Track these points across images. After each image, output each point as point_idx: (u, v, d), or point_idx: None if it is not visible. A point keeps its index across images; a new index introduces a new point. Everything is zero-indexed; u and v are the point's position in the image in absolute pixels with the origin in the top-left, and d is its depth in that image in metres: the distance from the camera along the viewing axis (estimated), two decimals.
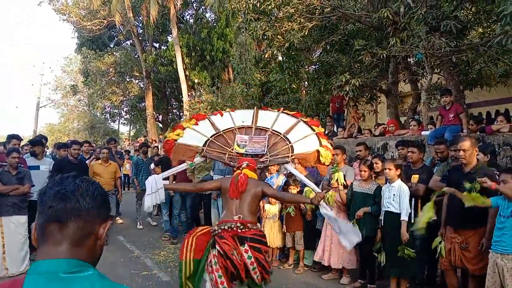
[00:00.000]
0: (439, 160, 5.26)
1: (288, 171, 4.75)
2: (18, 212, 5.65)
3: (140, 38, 22.62)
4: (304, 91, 13.92)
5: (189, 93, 19.99)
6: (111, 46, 25.91)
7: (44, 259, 1.04)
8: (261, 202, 5.77)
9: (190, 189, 5.26)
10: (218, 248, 3.47)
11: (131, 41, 24.62)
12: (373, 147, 7.80)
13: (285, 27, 9.61)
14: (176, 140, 4.28)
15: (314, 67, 13.06)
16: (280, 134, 4.36)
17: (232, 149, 4.21)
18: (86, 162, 8.07)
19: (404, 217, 4.59)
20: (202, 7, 22.09)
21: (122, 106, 27.61)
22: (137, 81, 25.55)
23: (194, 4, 23.19)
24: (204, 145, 4.21)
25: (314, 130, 4.43)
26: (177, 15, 20.34)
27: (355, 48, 9.33)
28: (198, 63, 20.12)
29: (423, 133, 7.43)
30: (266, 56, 12.74)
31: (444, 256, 4.28)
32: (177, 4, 19.57)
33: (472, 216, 4.02)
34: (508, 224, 3.55)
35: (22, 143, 7.69)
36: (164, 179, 4.21)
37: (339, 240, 4.06)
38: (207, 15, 22.51)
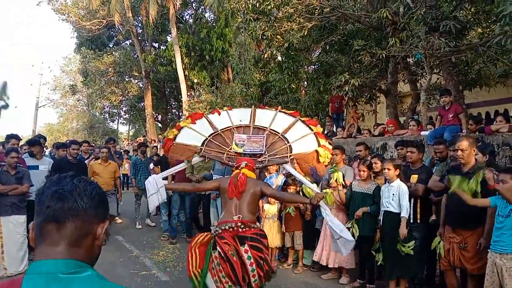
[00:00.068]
0: (438, 160, 5.26)
1: (287, 171, 4.74)
2: (17, 212, 5.64)
3: (139, 38, 22.62)
4: (303, 91, 13.92)
5: (188, 93, 19.99)
6: (110, 46, 25.91)
7: (42, 259, 1.04)
8: (260, 202, 5.78)
9: (189, 189, 5.26)
10: (219, 249, 3.46)
11: (130, 41, 24.62)
12: (372, 147, 7.79)
13: (284, 27, 9.61)
14: (174, 139, 4.27)
15: (313, 67, 13.06)
16: (278, 133, 4.35)
17: (231, 149, 4.19)
18: (85, 162, 8.07)
19: (404, 215, 4.58)
20: (202, 7, 22.08)
21: (121, 106, 27.61)
22: (136, 81, 25.55)
23: (194, 4, 23.18)
24: (202, 145, 4.19)
25: (312, 130, 4.41)
26: (177, 15, 20.34)
27: (354, 48, 9.33)
28: (197, 63, 20.12)
29: (422, 133, 7.43)
30: (265, 56, 12.74)
31: (443, 256, 4.28)
32: (176, 4, 19.56)
33: (470, 216, 4.03)
34: (506, 223, 3.56)
35: (20, 143, 7.67)
36: (163, 179, 4.21)
37: (333, 247, 3.98)
38: (207, 15, 22.52)
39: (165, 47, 22.56)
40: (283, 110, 4.82)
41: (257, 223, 3.97)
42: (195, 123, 4.47)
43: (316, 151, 4.13)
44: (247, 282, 3.46)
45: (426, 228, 4.81)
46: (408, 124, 8.46)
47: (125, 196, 9.35)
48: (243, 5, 9.94)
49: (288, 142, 4.24)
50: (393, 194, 4.70)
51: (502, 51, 7.68)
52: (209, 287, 3.52)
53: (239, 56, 15.30)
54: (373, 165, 5.34)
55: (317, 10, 9.54)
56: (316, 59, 12.48)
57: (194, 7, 23.24)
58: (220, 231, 3.56)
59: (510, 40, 5.86)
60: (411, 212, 4.76)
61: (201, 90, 19.37)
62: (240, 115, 4.63)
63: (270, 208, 6.10)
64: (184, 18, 23.55)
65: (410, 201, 4.71)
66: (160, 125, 25.90)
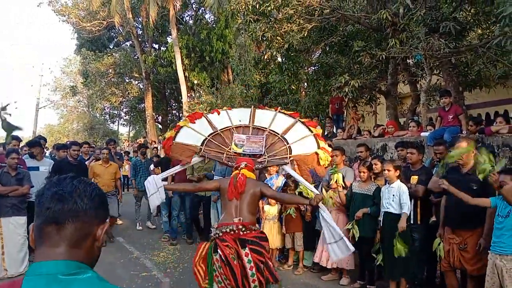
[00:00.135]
0: (438, 161, 5.27)
1: (287, 172, 4.73)
2: (17, 213, 5.65)
3: (139, 39, 22.62)
4: (303, 92, 13.93)
5: (188, 94, 19.99)
6: (111, 47, 25.92)
7: (42, 260, 1.04)
8: (260, 203, 5.77)
9: (190, 189, 5.24)
10: (220, 253, 3.45)
11: (131, 42, 24.63)
12: (372, 148, 7.80)
13: (284, 28, 9.62)
14: (174, 139, 4.25)
15: (313, 68, 13.08)
16: (278, 134, 4.34)
17: (230, 149, 4.18)
18: (86, 163, 8.07)
19: (405, 211, 4.57)
20: (202, 8, 22.09)
21: (122, 107, 27.60)
22: (136, 82, 25.55)
23: (194, 5, 23.20)
24: (202, 145, 4.18)
25: (312, 131, 4.40)
26: (177, 16, 20.34)
27: (354, 49, 9.34)
28: (197, 64, 20.12)
29: (422, 134, 7.44)
30: (265, 57, 12.77)
31: (443, 257, 4.28)
32: (176, 5, 19.57)
33: (470, 217, 4.03)
34: (506, 224, 3.56)
35: (21, 144, 7.68)
36: (163, 180, 4.20)
37: (328, 249, 3.90)
38: (207, 16, 22.53)
39: (165, 48, 22.57)
40: (282, 111, 4.79)
41: (257, 225, 3.96)
42: (194, 122, 4.45)
43: (316, 153, 4.12)
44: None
45: (426, 229, 4.81)
46: (408, 125, 8.47)
47: (125, 197, 9.34)
48: (243, 7, 9.95)
49: (288, 143, 4.23)
50: (394, 195, 4.70)
51: (502, 52, 7.69)
52: None
53: (239, 57, 15.30)
54: (373, 166, 5.34)
55: (317, 11, 9.55)
56: (316, 60, 12.49)
57: (194, 8, 23.26)
58: (221, 233, 3.54)
59: (510, 41, 5.86)
60: (411, 213, 4.76)
61: (201, 91, 19.36)
62: (239, 115, 4.61)
63: (271, 209, 6.10)
64: (184, 19, 23.56)
65: (410, 202, 4.71)
66: (160, 126, 25.90)
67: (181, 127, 4.40)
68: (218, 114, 4.62)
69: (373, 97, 11.21)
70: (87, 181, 1.15)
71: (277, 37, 10.00)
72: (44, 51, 67.51)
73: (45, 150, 8.83)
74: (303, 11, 9.35)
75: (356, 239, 5.13)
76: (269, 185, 5.85)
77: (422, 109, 8.86)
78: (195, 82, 19.99)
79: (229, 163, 4.05)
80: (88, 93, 26.91)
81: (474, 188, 3.95)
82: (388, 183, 4.83)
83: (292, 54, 11.31)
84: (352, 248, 3.85)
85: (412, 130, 7.77)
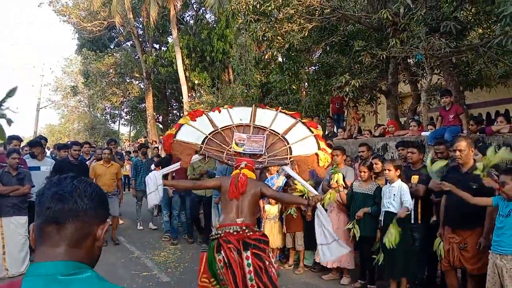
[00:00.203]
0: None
1: (287, 172, 4.72)
2: (18, 213, 5.66)
3: (140, 39, 22.64)
4: (304, 92, 13.93)
5: (189, 94, 19.99)
6: (111, 47, 25.95)
7: (42, 260, 1.04)
8: (261, 202, 5.77)
9: (190, 186, 5.19)
10: (223, 255, 3.44)
11: (131, 42, 24.65)
12: (373, 147, 7.80)
13: (285, 28, 9.62)
14: (175, 136, 4.21)
15: (314, 68, 13.07)
16: (279, 134, 4.33)
17: (230, 148, 4.17)
18: (87, 163, 8.07)
19: (407, 206, 4.54)
20: (202, 8, 22.10)
21: (123, 107, 27.62)
22: (137, 82, 25.57)
23: (194, 5, 23.22)
24: (202, 143, 4.16)
25: (312, 132, 4.40)
26: (177, 16, 20.35)
27: (355, 49, 9.35)
28: (198, 64, 20.13)
29: (423, 133, 7.43)
30: (266, 57, 12.76)
31: (443, 256, 4.28)
32: (177, 5, 19.58)
33: (470, 216, 4.03)
34: (506, 223, 3.55)
35: (22, 144, 7.68)
36: (164, 177, 4.17)
37: (318, 250, 3.88)
38: (207, 16, 22.55)
39: (166, 48, 22.59)
40: (283, 111, 4.78)
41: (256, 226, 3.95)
42: (195, 120, 4.41)
43: (316, 154, 4.12)
44: None
45: (427, 229, 4.80)
46: (408, 124, 8.46)
47: (126, 197, 9.34)
48: (244, 6, 9.95)
49: (288, 144, 4.22)
50: (394, 195, 4.70)
51: (502, 51, 7.69)
52: None
53: (239, 57, 15.32)
54: (374, 165, 5.34)
55: (317, 11, 9.55)
56: (316, 60, 12.49)
57: (195, 8, 23.27)
58: (223, 234, 3.51)
59: (510, 40, 5.87)
60: (412, 213, 4.76)
61: (202, 91, 19.37)
62: (240, 114, 4.58)
63: (271, 209, 6.10)
64: (185, 19, 23.58)
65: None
66: (161, 126, 25.92)
67: (182, 124, 4.37)
68: (219, 112, 4.58)
69: (374, 97, 11.21)
70: (87, 181, 1.15)
71: (278, 37, 9.99)
72: (45, 51, 67.64)
73: (46, 150, 8.83)
74: (304, 11, 9.35)
75: (357, 238, 5.14)
76: (270, 184, 5.87)
77: (422, 109, 8.86)
78: (196, 82, 20.00)
79: (229, 162, 4.04)
80: (89, 93, 26.93)
81: (474, 187, 3.95)
82: (389, 183, 4.83)
83: (293, 54, 11.31)
84: (348, 248, 3.83)
85: (412, 129, 7.77)
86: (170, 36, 22.14)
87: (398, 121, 9.84)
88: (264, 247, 3.55)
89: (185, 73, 19.38)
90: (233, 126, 4.36)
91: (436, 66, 8.65)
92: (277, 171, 6.31)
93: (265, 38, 10.45)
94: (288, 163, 4.09)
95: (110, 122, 31.73)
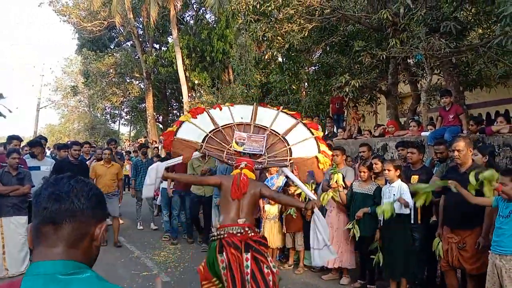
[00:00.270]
0: (438, 161, 5.27)
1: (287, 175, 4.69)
2: (18, 213, 5.66)
3: (140, 39, 22.65)
4: (304, 92, 13.94)
5: (189, 94, 20.00)
6: (112, 47, 25.96)
7: (39, 260, 1.04)
8: (261, 202, 5.77)
9: (192, 180, 5.14)
10: (225, 257, 3.42)
11: (132, 42, 24.66)
12: (373, 148, 7.80)
13: (285, 28, 9.63)
14: (175, 134, 4.17)
15: (314, 68, 13.08)
16: (279, 134, 4.32)
17: (231, 147, 4.15)
18: (87, 163, 8.07)
19: (408, 200, 4.54)
20: (202, 8, 22.11)
21: (123, 107, 27.63)
22: (137, 82, 25.58)
23: (194, 5, 23.23)
24: (203, 141, 4.13)
25: (313, 134, 4.39)
26: (177, 16, 20.35)
27: (354, 49, 9.35)
28: (198, 64, 20.14)
29: (423, 134, 7.43)
30: (266, 57, 12.76)
31: (442, 256, 4.28)
32: (177, 5, 19.58)
33: (468, 216, 4.03)
34: (506, 224, 3.55)
35: (22, 144, 7.69)
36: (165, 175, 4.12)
37: (313, 256, 3.82)
38: (207, 16, 22.56)
39: (166, 48, 22.60)
40: (284, 111, 4.76)
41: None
42: (196, 117, 4.37)
43: (316, 157, 4.12)
44: None
45: (427, 229, 4.80)
46: (408, 125, 8.47)
47: (126, 197, 9.34)
48: (244, 7, 9.95)
49: (289, 145, 4.21)
50: (394, 195, 4.70)
51: (502, 51, 7.69)
52: None
53: (239, 57, 15.32)
54: (374, 166, 5.34)
55: (317, 11, 9.55)
56: (316, 60, 12.49)
57: (195, 9, 23.28)
58: (226, 235, 3.49)
59: (510, 40, 5.86)
60: (412, 213, 4.76)
61: (202, 91, 19.38)
62: (241, 112, 4.55)
63: (271, 209, 6.10)
64: (185, 20, 23.58)
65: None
66: (161, 126, 25.92)
67: (183, 122, 4.34)
68: (220, 109, 4.55)
69: (374, 97, 11.22)
70: (84, 181, 1.15)
71: (278, 37, 10.00)
72: (45, 51, 67.64)
73: (46, 150, 8.83)
74: (304, 11, 9.35)
75: (357, 238, 5.14)
76: (270, 184, 5.87)
77: (422, 109, 8.86)
78: (196, 82, 20.00)
79: (229, 161, 4.03)
80: (89, 93, 26.94)
81: None
82: (389, 183, 4.84)
83: (293, 54, 11.31)
84: (335, 255, 3.81)
85: (412, 129, 7.77)
86: (170, 36, 22.14)
87: (398, 121, 9.84)
88: (264, 250, 3.55)
89: (185, 73, 19.39)
90: (233, 125, 4.35)
91: (436, 66, 8.65)
92: (277, 171, 6.31)
93: (265, 38, 10.46)
94: (288, 165, 4.08)
95: (110, 122, 31.77)
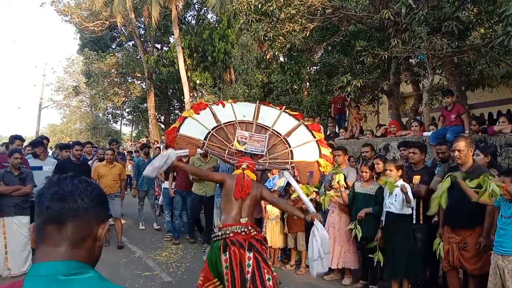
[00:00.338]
0: (440, 161, 5.26)
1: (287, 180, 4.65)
2: (20, 213, 5.67)
3: (142, 39, 22.68)
4: (305, 92, 13.94)
5: (190, 94, 20.01)
6: (113, 47, 26.02)
7: (42, 261, 1.04)
8: (262, 202, 5.76)
9: (199, 173, 5.12)
10: (228, 256, 3.41)
11: (133, 42, 24.69)
12: (375, 148, 7.80)
13: (286, 28, 9.63)
14: (178, 130, 4.12)
15: (315, 68, 13.09)
16: (281, 135, 4.31)
17: (232, 145, 4.12)
18: (88, 163, 8.07)
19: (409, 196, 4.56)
20: (204, 8, 22.12)
21: (124, 107, 27.68)
22: (139, 82, 25.62)
23: (196, 5, 23.24)
24: (205, 139, 4.10)
25: (315, 137, 4.37)
26: (179, 16, 20.37)
27: (356, 49, 9.34)
28: (199, 64, 20.15)
29: (425, 134, 7.43)
30: (267, 57, 12.79)
31: (443, 257, 4.27)
32: (178, 5, 19.60)
33: (469, 216, 4.02)
34: (509, 225, 3.54)
35: (24, 144, 7.70)
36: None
37: (310, 266, 3.78)
38: (209, 16, 22.57)
39: (167, 48, 22.64)
40: (287, 111, 4.73)
41: None
42: (199, 113, 4.33)
43: (317, 162, 4.11)
44: None
45: (429, 229, 4.79)
46: (410, 124, 8.46)
47: (128, 198, 9.34)
48: (246, 6, 9.96)
49: (290, 147, 4.20)
50: (396, 195, 4.70)
51: (504, 51, 7.68)
52: None
53: (241, 57, 15.32)
54: (375, 166, 5.34)
55: (319, 11, 9.55)
56: (318, 60, 12.50)
57: (197, 8, 23.30)
58: (231, 234, 3.49)
59: None
60: (414, 213, 4.76)
61: (203, 91, 19.39)
62: (244, 111, 4.51)
63: (273, 209, 6.09)
64: (186, 19, 23.61)
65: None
66: (162, 126, 25.94)
67: (185, 117, 4.29)
68: (223, 106, 4.51)
69: (376, 97, 11.22)
70: (87, 181, 1.15)
71: (279, 37, 10.00)
72: (47, 51, 67.76)
73: (48, 150, 8.84)
74: (305, 11, 9.35)
75: (359, 239, 5.14)
76: (272, 184, 5.87)
77: (424, 109, 8.85)
78: (197, 82, 20.00)
79: (231, 160, 4.02)
80: (91, 93, 26.99)
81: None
82: None
83: (294, 53, 11.33)
84: (326, 269, 3.79)
85: (414, 129, 7.76)
86: (172, 36, 22.17)
87: (400, 121, 9.83)
88: (264, 250, 3.55)
89: (186, 73, 19.40)
90: (236, 123, 4.33)
91: (438, 66, 8.64)
92: (279, 172, 6.31)
93: (267, 38, 10.46)
94: (289, 168, 4.07)
95: (112, 122, 31.80)
